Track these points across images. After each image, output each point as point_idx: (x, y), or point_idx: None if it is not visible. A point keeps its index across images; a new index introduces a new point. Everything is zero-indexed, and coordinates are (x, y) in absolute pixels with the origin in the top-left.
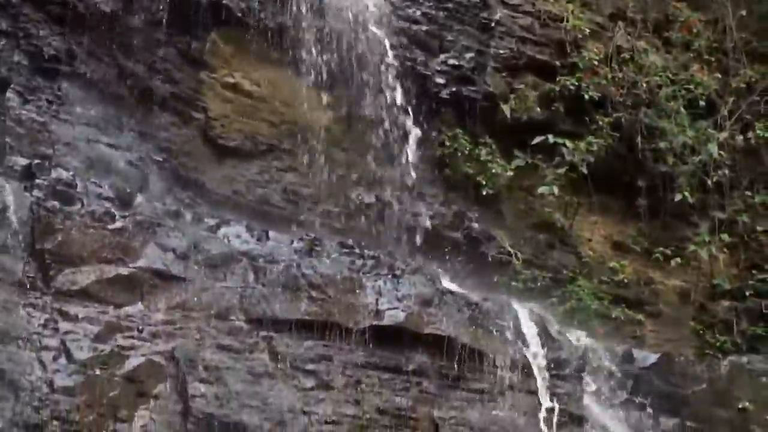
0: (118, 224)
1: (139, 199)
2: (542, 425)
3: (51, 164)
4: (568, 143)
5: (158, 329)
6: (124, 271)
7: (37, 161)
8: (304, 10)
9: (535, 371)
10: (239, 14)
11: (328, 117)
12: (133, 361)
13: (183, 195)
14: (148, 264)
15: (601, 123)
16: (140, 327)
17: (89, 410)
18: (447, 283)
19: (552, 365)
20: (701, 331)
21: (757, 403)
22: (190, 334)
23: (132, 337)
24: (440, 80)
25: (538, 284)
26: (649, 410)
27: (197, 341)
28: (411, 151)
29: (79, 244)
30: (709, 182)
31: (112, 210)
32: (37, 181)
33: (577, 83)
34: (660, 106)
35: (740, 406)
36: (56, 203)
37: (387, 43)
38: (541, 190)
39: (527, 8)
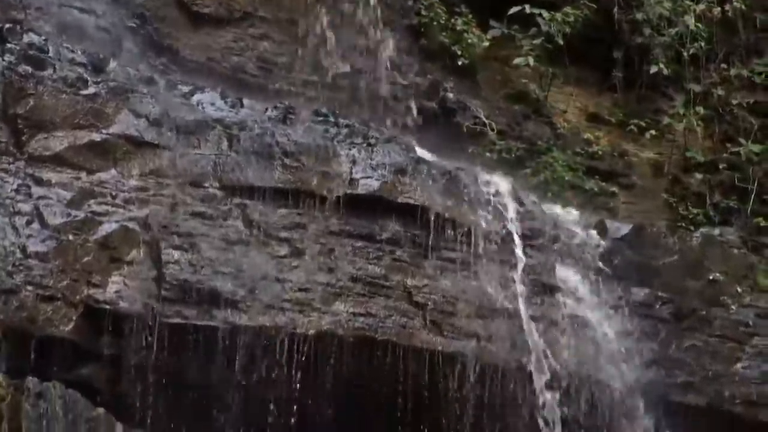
0: (91, 90)
1: (112, 65)
2: (514, 294)
3: (23, 29)
4: (545, 14)
5: (132, 195)
6: (97, 137)
7: (8, 25)
8: None
9: (508, 240)
10: None
11: None
12: (106, 227)
13: (156, 61)
14: (121, 130)
15: None
16: (114, 193)
17: (63, 275)
18: (421, 153)
19: (525, 235)
20: (674, 203)
21: (728, 275)
22: (164, 200)
23: (105, 203)
24: None
25: (513, 155)
26: (621, 280)
27: (171, 208)
28: (386, 21)
29: (52, 109)
30: (685, 54)
31: (85, 75)
32: (9, 45)
33: None
34: None
35: (711, 277)
36: (28, 68)
37: None
38: (517, 61)
39: None
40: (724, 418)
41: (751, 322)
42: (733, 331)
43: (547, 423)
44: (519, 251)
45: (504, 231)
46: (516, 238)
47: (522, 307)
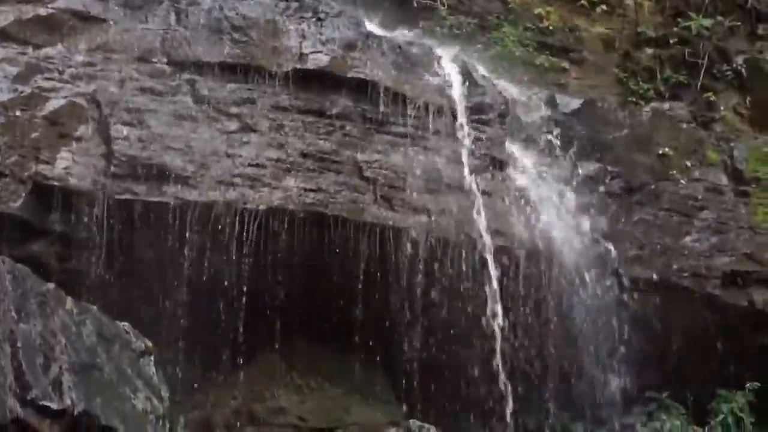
0: None
1: None
2: (464, 169)
3: None
4: None
5: (79, 71)
6: (42, 11)
7: None
8: None
9: (459, 116)
10: None
11: None
12: (54, 103)
13: None
14: (67, 5)
15: None
16: (61, 69)
17: (11, 152)
18: (371, 27)
19: (475, 110)
20: (625, 78)
21: (677, 149)
22: (112, 76)
23: (52, 78)
24: None
25: (463, 30)
26: (571, 155)
27: (119, 83)
28: None
29: None
30: None
31: None
32: None
33: None
34: None
35: (660, 152)
36: None
37: None
38: None
39: None
40: (672, 291)
41: (699, 196)
42: (682, 205)
43: (492, 291)
44: (469, 126)
45: (454, 106)
46: (466, 113)
47: (472, 181)
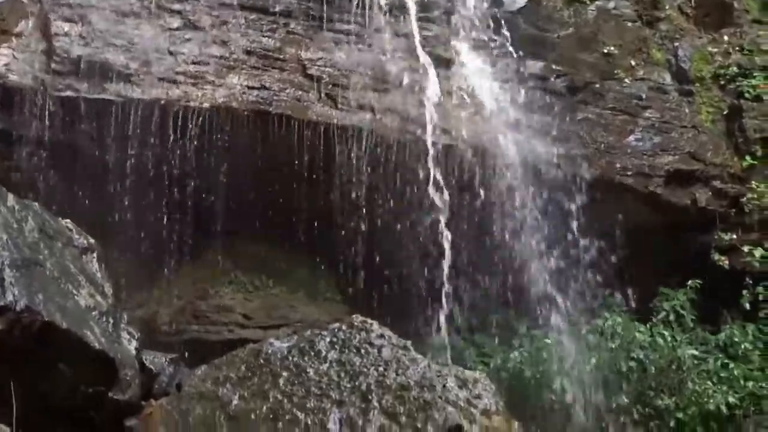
0: None
1: None
2: (409, 67)
3: None
4: None
5: None
6: None
7: None
8: None
9: (403, 13)
10: None
11: None
12: None
13: None
14: None
15: None
16: None
17: None
18: None
19: (421, 7)
20: None
21: (622, 48)
22: None
23: None
24: None
25: None
26: (516, 54)
27: None
28: None
29: None
30: None
31: None
32: None
33: None
34: None
35: (605, 51)
36: None
37: None
38: None
39: None
40: (615, 190)
41: (644, 95)
42: (626, 104)
43: (437, 189)
44: (414, 24)
45: (399, 2)
46: (411, 10)
47: (417, 80)
